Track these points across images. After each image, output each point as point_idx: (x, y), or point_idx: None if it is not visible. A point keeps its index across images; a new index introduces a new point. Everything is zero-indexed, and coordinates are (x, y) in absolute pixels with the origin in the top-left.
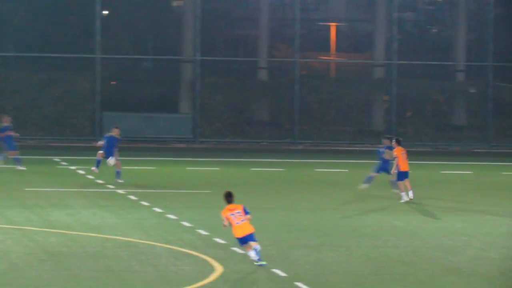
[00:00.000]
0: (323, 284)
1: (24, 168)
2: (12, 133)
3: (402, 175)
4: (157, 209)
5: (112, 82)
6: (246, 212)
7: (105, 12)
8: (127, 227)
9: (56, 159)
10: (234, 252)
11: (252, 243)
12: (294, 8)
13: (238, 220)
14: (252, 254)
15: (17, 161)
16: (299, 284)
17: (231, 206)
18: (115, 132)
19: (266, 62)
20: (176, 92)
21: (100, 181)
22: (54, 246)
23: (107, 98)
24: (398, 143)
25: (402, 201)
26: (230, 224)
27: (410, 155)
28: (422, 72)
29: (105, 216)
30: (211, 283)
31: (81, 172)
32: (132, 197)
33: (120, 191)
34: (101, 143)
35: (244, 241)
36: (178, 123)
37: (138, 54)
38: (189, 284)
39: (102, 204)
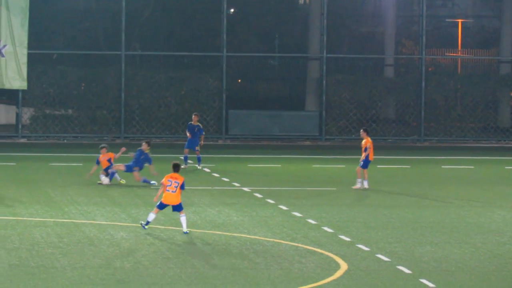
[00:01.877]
0: (448, 281)
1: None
2: None
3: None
4: (283, 207)
5: (238, 80)
6: (182, 187)
7: (232, 10)
8: (253, 224)
9: (182, 157)
10: (359, 249)
11: (180, 213)
12: (420, 5)
13: (171, 189)
14: (183, 222)
15: (199, 160)
16: (424, 281)
17: (174, 174)
18: (143, 147)
19: (392, 59)
20: (302, 90)
21: (225, 179)
22: (179, 244)
23: (233, 96)
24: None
25: (354, 187)
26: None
27: None
28: None
29: (230, 214)
30: (335, 280)
31: (207, 170)
32: (258, 195)
33: (245, 189)
34: (132, 154)
35: (163, 207)
36: (304, 120)
37: (264, 52)
38: (314, 282)
39: (228, 202)
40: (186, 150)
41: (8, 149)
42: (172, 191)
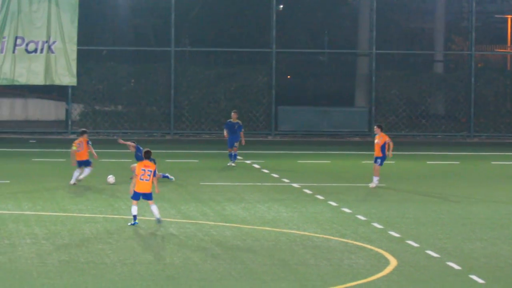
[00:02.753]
0: (498, 277)
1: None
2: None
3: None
4: (332, 203)
5: (287, 76)
6: (154, 175)
7: (281, 6)
8: (302, 220)
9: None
10: (409, 245)
11: (150, 202)
12: (470, 1)
13: (144, 177)
14: (155, 210)
15: (232, 157)
16: (473, 277)
17: (146, 162)
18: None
19: (441, 55)
20: (352, 86)
21: (275, 175)
22: (229, 240)
23: (283, 92)
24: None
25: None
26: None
27: None
28: None
29: (280, 210)
30: (385, 276)
31: (256, 166)
32: (307, 191)
33: (295, 185)
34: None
35: (137, 196)
36: (354, 116)
37: (313, 48)
38: (364, 278)
39: (277, 198)
40: (231, 149)
41: (58, 145)
42: (146, 180)
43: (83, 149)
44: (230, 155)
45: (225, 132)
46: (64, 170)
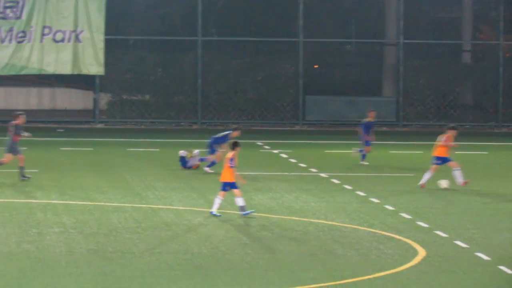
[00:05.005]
0: None
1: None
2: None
3: None
4: (360, 193)
5: (315, 66)
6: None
7: None
8: (330, 210)
9: (259, 143)
10: (437, 235)
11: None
12: None
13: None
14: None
15: (362, 157)
16: (503, 268)
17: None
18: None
19: (470, 45)
20: (379, 75)
21: (302, 165)
22: (257, 230)
23: (310, 82)
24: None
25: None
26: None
27: None
28: None
29: (308, 200)
30: (414, 266)
31: (284, 156)
32: (335, 181)
33: (323, 174)
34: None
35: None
36: (381, 106)
37: (340, 37)
38: (392, 268)
39: (305, 188)
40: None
41: (86, 135)
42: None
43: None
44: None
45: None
46: (92, 159)
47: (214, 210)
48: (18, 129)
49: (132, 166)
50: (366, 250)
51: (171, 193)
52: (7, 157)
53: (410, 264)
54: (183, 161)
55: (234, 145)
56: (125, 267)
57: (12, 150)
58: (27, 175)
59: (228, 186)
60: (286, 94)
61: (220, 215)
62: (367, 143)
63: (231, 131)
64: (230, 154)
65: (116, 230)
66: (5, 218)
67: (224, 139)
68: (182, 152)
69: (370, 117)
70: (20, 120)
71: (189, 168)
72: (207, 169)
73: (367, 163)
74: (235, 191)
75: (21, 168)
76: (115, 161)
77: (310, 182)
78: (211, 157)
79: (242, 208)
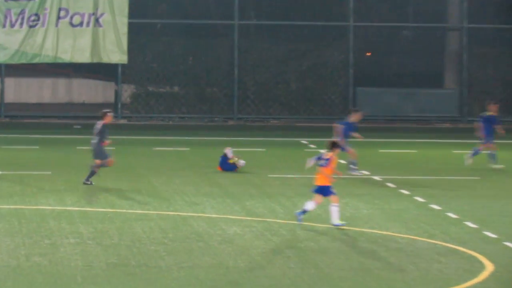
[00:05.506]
0: None
1: (500, 166)
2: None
3: None
4: (419, 198)
5: (367, 54)
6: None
7: None
8: (385, 218)
9: (303, 141)
10: (507, 247)
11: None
12: None
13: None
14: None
15: (492, 157)
16: None
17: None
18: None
19: None
20: (440, 65)
21: (352, 166)
22: (301, 240)
23: (362, 72)
24: None
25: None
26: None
27: None
28: None
29: (359, 206)
30: (480, 283)
31: None
32: (390, 185)
33: (376, 177)
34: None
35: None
36: (442, 99)
37: (396, 21)
38: (455, 284)
39: (356, 193)
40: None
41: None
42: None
43: None
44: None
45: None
46: (115, 159)
47: (336, 220)
48: (104, 130)
49: (159, 168)
50: (426, 264)
51: (203, 199)
52: (97, 163)
53: (476, 279)
54: (224, 160)
55: (333, 146)
56: (151, 284)
57: (100, 154)
58: (90, 182)
59: (322, 190)
60: (334, 86)
61: (344, 223)
62: (487, 140)
63: None
64: (328, 154)
65: (140, 241)
66: (14, 227)
67: None
68: (228, 150)
69: (491, 111)
70: (108, 119)
71: (228, 170)
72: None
73: (500, 166)
74: (319, 196)
75: (93, 172)
76: (139, 162)
77: (361, 186)
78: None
79: (301, 214)
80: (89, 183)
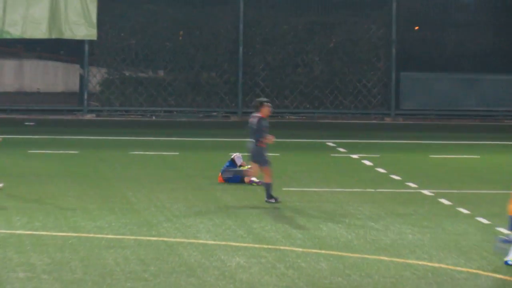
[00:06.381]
0: None
1: None
2: None
3: None
4: (482, 220)
5: (415, 28)
6: None
7: None
8: (437, 246)
9: (330, 143)
10: None
11: None
12: None
13: None
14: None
15: None
16: None
17: None
18: None
19: None
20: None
21: (395, 177)
22: (326, 275)
23: (407, 52)
24: None
25: None
26: None
27: None
28: None
29: (402, 230)
30: None
31: (367, 163)
32: (445, 201)
33: (426, 192)
34: None
35: None
36: None
37: None
38: None
39: (400, 212)
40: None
41: (69, 131)
42: None
43: None
44: None
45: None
46: (78, 168)
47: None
48: (262, 125)
49: (138, 179)
50: None
51: (196, 220)
52: (254, 167)
53: None
54: (229, 168)
55: None
56: None
57: (259, 158)
58: (273, 198)
59: None
60: (371, 70)
61: None
62: None
63: None
64: None
65: (112, 276)
66: None
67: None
68: (237, 157)
69: None
70: (266, 111)
71: (232, 182)
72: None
73: None
74: None
75: (268, 186)
76: (111, 171)
77: (407, 203)
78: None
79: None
80: (273, 201)
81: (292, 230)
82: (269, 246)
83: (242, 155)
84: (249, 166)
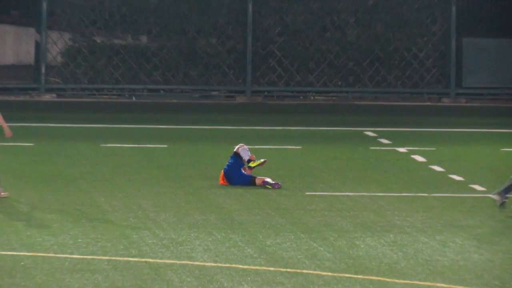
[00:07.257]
0: None
1: None
2: None
3: None
4: None
5: None
6: None
7: None
8: (504, 269)
9: (370, 132)
10: None
11: None
12: None
13: None
14: None
15: None
16: None
17: None
18: None
19: None
20: None
21: (455, 177)
22: None
23: (471, 12)
24: None
25: None
26: None
27: None
28: None
29: (466, 248)
30: None
31: (419, 158)
32: None
33: (493, 196)
34: None
35: None
36: None
37: None
38: None
39: (461, 224)
40: None
41: (22, 116)
42: None
43: None
44: None
45: None
46: (33, 164)
47: None
48: None
49: (113, 179)
50: None
51: (191, 235)
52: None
53: None
54: (234, 165)
55: None
56: None
57: None
58: None
59: None
60: (423, 36)
61: None
62: None
63: None
64: None
65: None
66: None
67: None
68: (243, 148)
69: None
70: None
71: (239, 184)
72: None
73: None
74: None
75: None
76: (76, 168)
77: (470, 211)
78: None
79: None
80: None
81: (318, 248)
82: (288, 270)
83: (248, 147)
84: (262, 160)
